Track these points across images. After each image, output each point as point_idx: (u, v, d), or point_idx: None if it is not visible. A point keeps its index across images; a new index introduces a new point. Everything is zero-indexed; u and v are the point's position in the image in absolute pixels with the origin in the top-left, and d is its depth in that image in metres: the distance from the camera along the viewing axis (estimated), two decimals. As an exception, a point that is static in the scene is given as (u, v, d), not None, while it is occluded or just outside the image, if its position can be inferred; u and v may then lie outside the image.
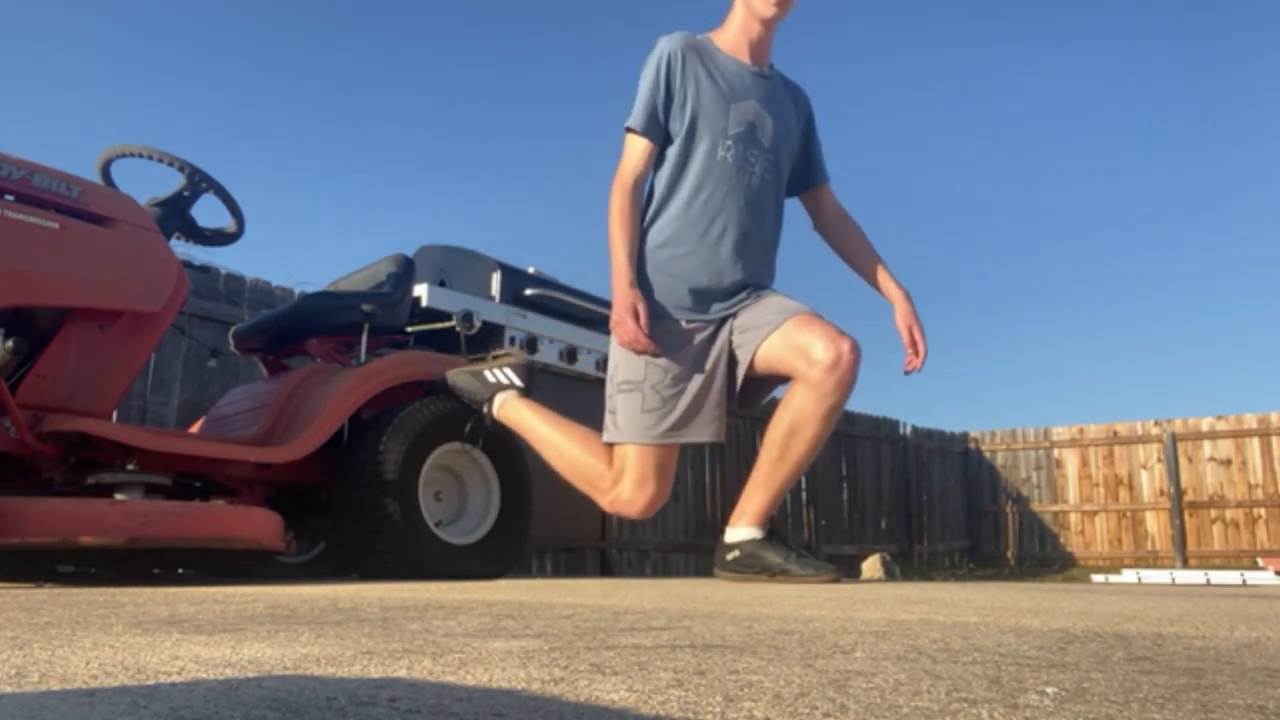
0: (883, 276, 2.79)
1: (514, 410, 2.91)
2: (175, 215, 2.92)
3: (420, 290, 3.66)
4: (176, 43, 15.56)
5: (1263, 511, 10.37)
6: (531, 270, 4.30)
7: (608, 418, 2.69)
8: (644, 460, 2.62)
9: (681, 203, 2.65)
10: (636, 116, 2.64)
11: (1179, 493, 10.70)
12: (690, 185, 2.65)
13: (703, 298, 2.64)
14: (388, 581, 2.59)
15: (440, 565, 2.90)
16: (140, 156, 2.86)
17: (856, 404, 10.74)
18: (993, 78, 19.01)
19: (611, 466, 2.68)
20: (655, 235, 2.66)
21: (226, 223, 3.03)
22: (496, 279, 4.07)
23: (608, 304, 2.76)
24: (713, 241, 2.63)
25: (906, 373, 2.82)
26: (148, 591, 1.97)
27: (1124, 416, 11.24)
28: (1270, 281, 17.66)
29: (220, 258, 5.41)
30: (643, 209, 2.69)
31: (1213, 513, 10.60)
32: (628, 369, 2.63)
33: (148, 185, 3.03)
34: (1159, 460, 10.89)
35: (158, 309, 2.66)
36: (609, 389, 2.70)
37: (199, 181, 2.90)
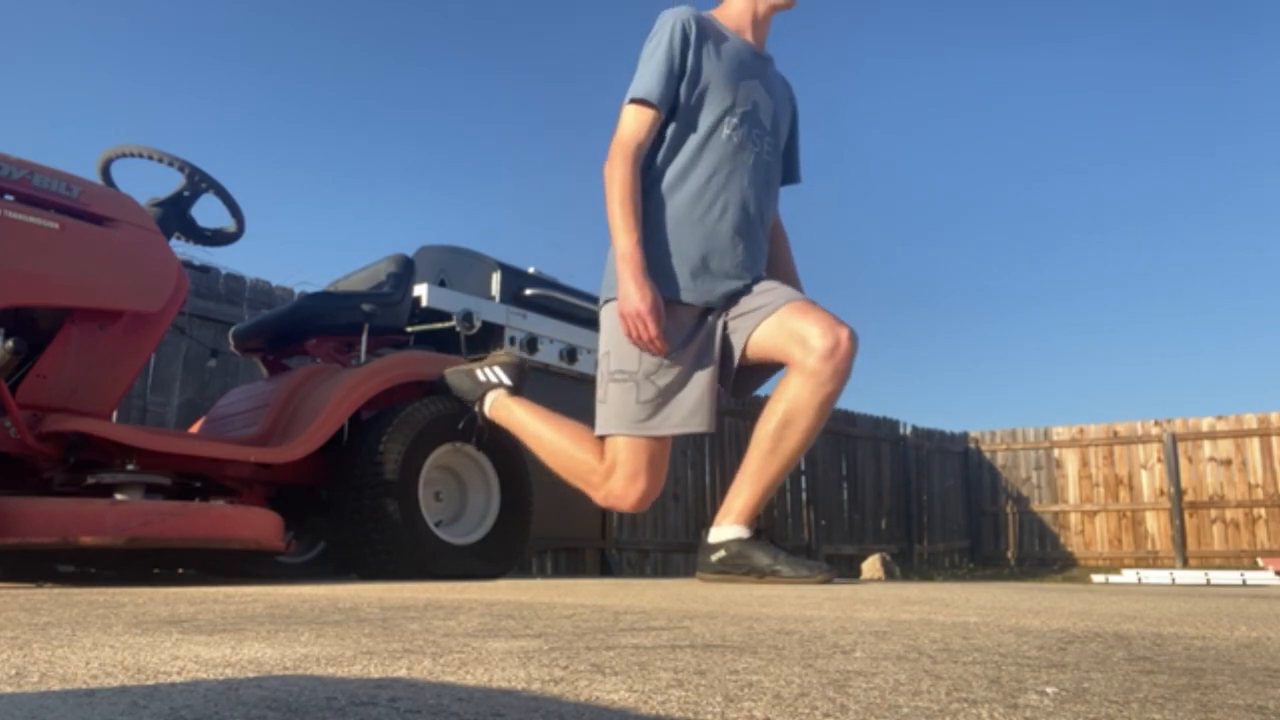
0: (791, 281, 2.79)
1: (504, 409, 2.89)
2: (175, 215, 2.92)
3: (420, 290, 3.66)
4: (176, 45, 15.57)
5: (1263, 511, 10.37)
6: (531, 270, 4.30)
7: (599, 408, 2.60)
8: (636, 453, 2.53)
9: (681, 178, 2.55)
10: (645, 85, 2.52)
11: (1179, 493, 10.71)
12: (690, 161, 2.55)
13: (701, 280, 2.53)
14: (388, 581, 2.59)
15: (440, 565, 2.90)
16: (140, 156, 2.86)
17: (856, 404, 10.75)
18: (990, 79, 19.01)
19: (603, 460, 2.60)
20: (653, 212, 2.54)
21: (226, 223, 3.03)
22: (496, 279, 4.07)
23: None
24: (713, 221, 2.54)
25: None
26: (148, 591, 1.97)
27: (1124, 416, 11.28)
28: (1270, 281, 17.67)
29: (220, 258, 5.42)
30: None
31: (1213, 513, 10.60)
32: (622, 358, 2.54)
33: (148, 185, 3.04)
34: (1159, 460, 10.89)
35: (158, 309, 2.66)
36: (600, 376, 2.61)
37: (199, 181, 2.90)
